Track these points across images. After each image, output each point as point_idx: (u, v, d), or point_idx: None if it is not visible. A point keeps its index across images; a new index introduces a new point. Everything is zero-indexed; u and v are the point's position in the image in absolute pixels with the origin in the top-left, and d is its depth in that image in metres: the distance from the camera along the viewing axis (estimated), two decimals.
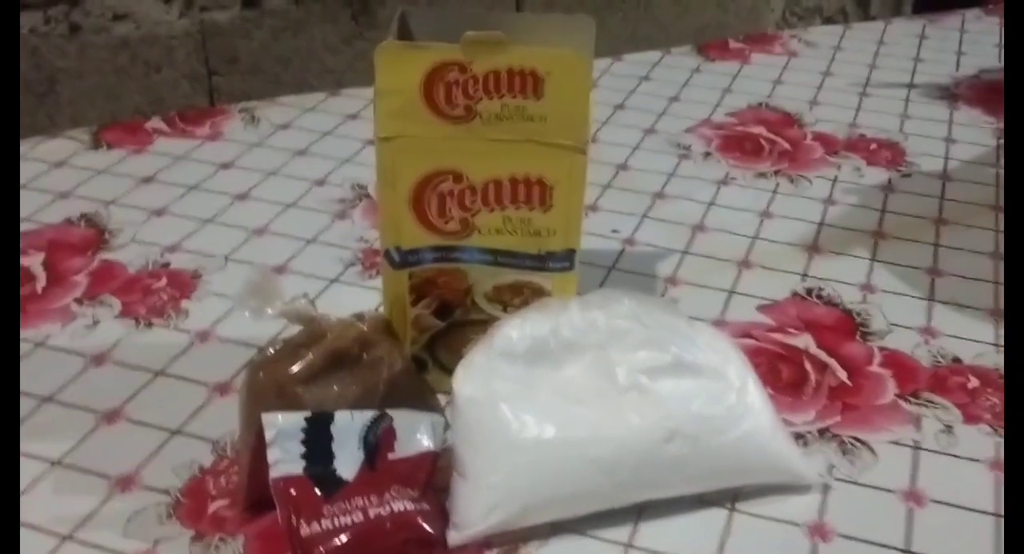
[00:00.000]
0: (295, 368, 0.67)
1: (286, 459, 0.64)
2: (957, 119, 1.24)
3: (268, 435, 0.64)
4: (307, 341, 0.69)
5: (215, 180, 1.06)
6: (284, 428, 0.64)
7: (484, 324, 0.74)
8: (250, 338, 0.82)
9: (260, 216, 1.00)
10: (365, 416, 0.66)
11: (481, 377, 0.66)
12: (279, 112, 1.21)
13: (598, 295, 0.69)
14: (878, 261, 0.96)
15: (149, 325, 0.85)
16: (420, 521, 0.64)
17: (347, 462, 0.65)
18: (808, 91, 1.30)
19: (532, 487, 0.63)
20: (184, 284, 0.90)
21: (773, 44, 1.44)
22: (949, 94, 1.30)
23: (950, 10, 1.55)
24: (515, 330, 0.67)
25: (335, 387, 0.68)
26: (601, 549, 0.65)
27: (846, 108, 1.26)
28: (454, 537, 0.64)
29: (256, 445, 0.65)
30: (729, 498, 0.69)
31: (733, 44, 1.44)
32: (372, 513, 0.63)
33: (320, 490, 0.64)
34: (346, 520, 0.63)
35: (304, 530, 0.62)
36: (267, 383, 0.68)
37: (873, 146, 1.17)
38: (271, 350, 0.71)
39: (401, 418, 0.67)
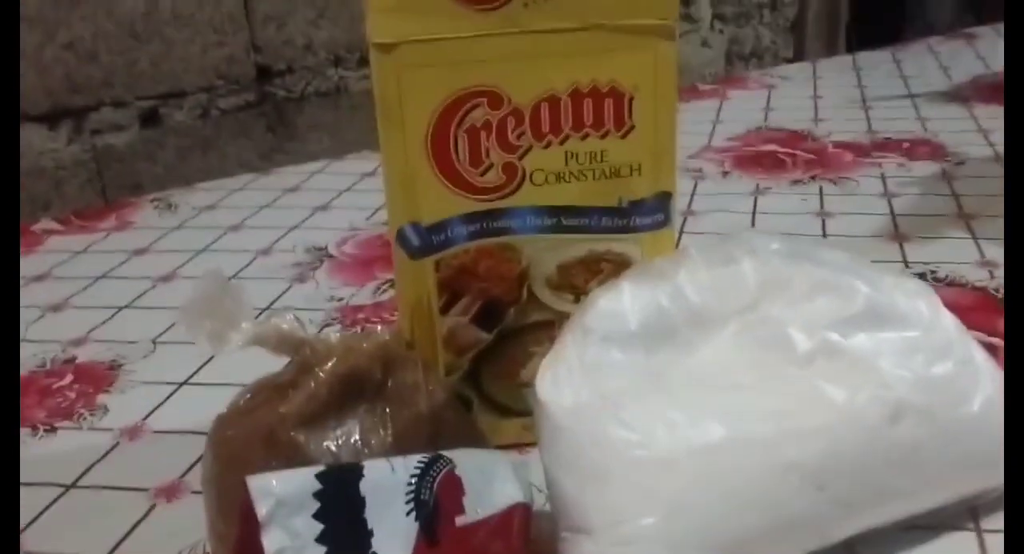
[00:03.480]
0: (289, 405, 0.43)
1: (296, 546, 0.39)
2: (979, 114, 1.09)
3: (261, 510, 0.38)
4: (297, 378, 0.45)
5: (127, 267, 0.83)
6: (285, 495, 0.39)
7: (549, 328, 0.51)
8: (206, 423, 0.56)
9: None
10: (410, 463, 0.42)
11: (582, 375, 0.43)
12: (201, 196, 0.99)
13: (726, 243, 0.47)
14: (983, 239, 0.77)
15: (52, 430, 0.59)
16: None
17: (393, 537, 0.40)
18: (805, 112, 1.15)
19: (706, 524, 0.39)
20: (98, 377, 0.65)
21: (745, 83, 1.30)
22: (957, 97, 1.17)
23: (892, 44, 1.45)
24: (617, 302, 0.44)
25: (354, 429, 0.44)
26: None
27: (855, 120, 1.10)
28: None
29: (242, 534, 0.40)
30: (967, 516, 0.46)
31: (703, 87, 1.29)
32: None
33: None
34: None
35: None
36: (248, 434, 0.43)
37: (906, 145, 1.00)
38: (244, 399, 0.46)
39: (465, 461, 0.43)
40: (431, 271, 0.49)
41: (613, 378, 0.42)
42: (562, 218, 0.49)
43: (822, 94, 1.22)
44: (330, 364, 0.44)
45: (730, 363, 0.43)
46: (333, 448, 0.43)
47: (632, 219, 0.49)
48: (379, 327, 0.46)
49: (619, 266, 0.50)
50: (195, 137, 1.41)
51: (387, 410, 0.44)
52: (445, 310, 0.51)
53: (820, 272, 0.44)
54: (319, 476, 0.40)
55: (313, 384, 0.43)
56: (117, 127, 1.35)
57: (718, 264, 0.45)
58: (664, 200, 0.50)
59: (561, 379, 0.43)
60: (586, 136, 0.48)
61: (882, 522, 0.42)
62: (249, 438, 0.43)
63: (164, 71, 1.35)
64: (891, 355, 0.42)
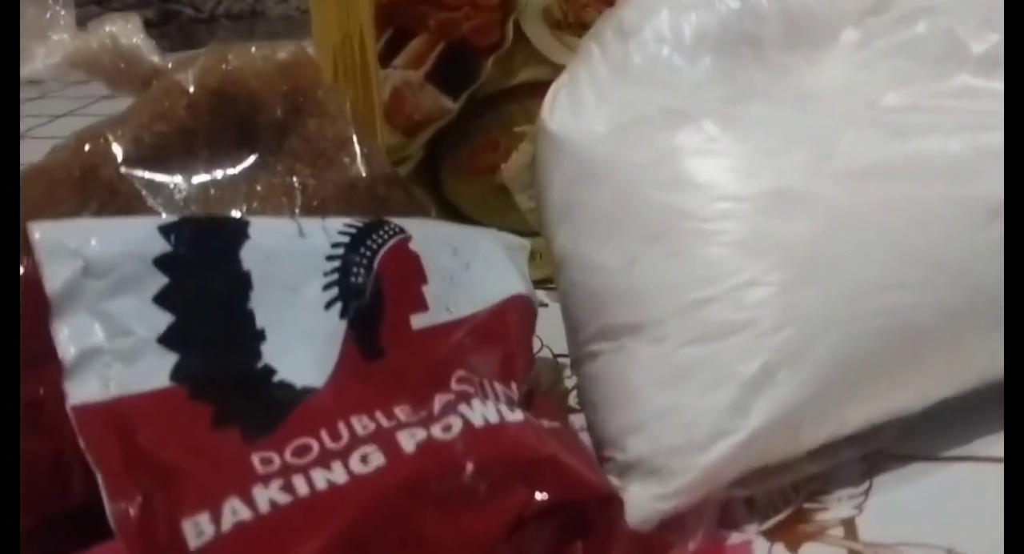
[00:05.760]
0: (122, 127, 0.25)
1: (116, 347, 0.21)
2: None
3: (52, 278, 0.20)
4: (136, 116, 0.27)
5: None
6: (99, 257, 0.21)
7: (540, 93, 0.34)
8: None
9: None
10: (333, 227, 0.24)
11: (621, 87, 0.26)
12: None
13: None
14: None
15: None
16: (556, 451, 0.21)
17: (301, 342, 0.23)
18: None
19: (856, 294, 0.22)
20: None
21: None
22: None
23: None
24: None
25: (238, 187, 0.26)
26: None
27: None
28: (638, 495, 0.22)
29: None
30: None
31: None
32: (410, 443, 0.21)
33: (231, 420, 0.21)
34: (335, 476, 0.20)
35: (196, 535, 0.18)
36: (50, 182, 0.25)
37: None
38: (56, 152, 0.28)
39: (428, 234, 0.25)
40: None
41: (678, 87, 0.25)
42: None
43: None
44: (193, 71, 0.26)
45: (859, 84, 0.26)
46: (196, 206, 0.25)
47: None
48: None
49: None
50: None
51: (295, 169, 0.27)
52: (387, 58, 0.33)
53: None
54: (166, 230, 0.22)
55: (165, 99, 0.25)
56: None
57: None
58: None
59: (585, 99, 0.26)
60: None
61: None
62: (51, 186, 0.25)
63: None
64: None
